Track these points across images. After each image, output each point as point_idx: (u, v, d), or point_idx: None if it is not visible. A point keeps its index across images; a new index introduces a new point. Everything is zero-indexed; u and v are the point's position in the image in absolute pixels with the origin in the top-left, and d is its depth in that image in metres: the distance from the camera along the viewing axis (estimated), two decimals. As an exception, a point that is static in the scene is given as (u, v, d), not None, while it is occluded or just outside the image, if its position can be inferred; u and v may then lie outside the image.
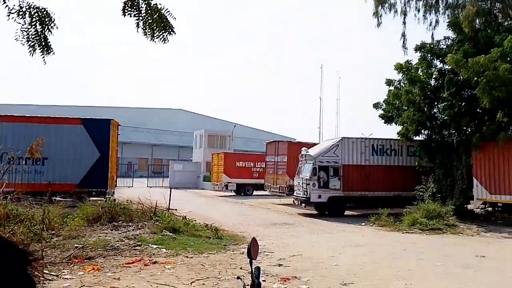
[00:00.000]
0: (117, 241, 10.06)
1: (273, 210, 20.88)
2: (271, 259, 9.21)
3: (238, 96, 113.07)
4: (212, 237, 11.33)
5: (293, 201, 20.15)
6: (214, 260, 8.89)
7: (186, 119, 65.30)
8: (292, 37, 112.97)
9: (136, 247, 9.65)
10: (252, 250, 2.80)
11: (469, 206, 17.40)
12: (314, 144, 22.32)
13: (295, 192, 19.87)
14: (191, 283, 6.99)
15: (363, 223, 15.74)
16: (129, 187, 34.39)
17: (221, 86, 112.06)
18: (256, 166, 30.95)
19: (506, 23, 16.99)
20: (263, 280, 7.21)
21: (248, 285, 2.77)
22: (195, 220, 13.76)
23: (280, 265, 8.65)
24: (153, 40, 5.31)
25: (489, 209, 16.84)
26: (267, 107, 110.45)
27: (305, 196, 18.39)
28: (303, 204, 18.92)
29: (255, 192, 30.78)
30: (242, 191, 30.69)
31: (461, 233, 13.69)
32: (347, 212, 19.02)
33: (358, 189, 18.68)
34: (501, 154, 14.92)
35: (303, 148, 19.84)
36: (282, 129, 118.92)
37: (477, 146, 15.56)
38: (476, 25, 16.54)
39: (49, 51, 5.25)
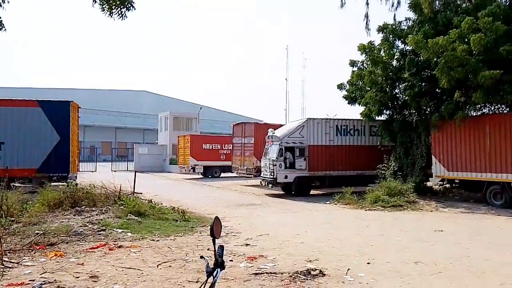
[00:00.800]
0: (80, 226, 9.83)
1: (240, 192, 20.99)
2: (238, 239, 9.28)
3: (204, 77, 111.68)
4: (179, 219, 11.27)
5: (260, 182, 20.33)
6: (181, 242, 8.86)
7: (151, 101, 63.97)
8: (258, 18, 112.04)
9: (101, 232, 9.47)
10: (215, 229, 2.79)
11: (428, 183, 18.16)
12: (281, 126, 22.46)
13: (262, 173, 20.03)
14: (157, 266, 6.95)
15: (328, 202, 16.12)
16: (92, 171, 33.57)
17: (186, 68, 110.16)
18: (223, 148, 30.90)
19: (464, 4, 17.44)
20: (230, 260, 7.31)
21: (211, 264, 2.76)
22: (162, 204, 13.63)
23: (247, 244, 8.74)
24: (111, 16, 5.09)
25: (447, 185, 17.59)
26: (234, 88, 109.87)
27: (272, 176, 18.58)
28: (270, 185, 19.13)
29: (222, 174, 30.82)
30: (210, 173, 30.64)
31: (421, 209, 14.29)
32: (312, 192, 19.40)
33: (323, 169, 19.05)
34: (458, 133, 15.53)
35: (270, 130, 19.93)
36: (249, 110, 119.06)
37: (435, 125, 16.12)
38: (436, 7, 16.92)
39: (1, 27, 4.94)
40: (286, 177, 18.51)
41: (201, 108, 45.04)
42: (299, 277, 6.40)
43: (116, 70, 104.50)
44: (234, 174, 27.04)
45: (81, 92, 53.43)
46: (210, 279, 2.70)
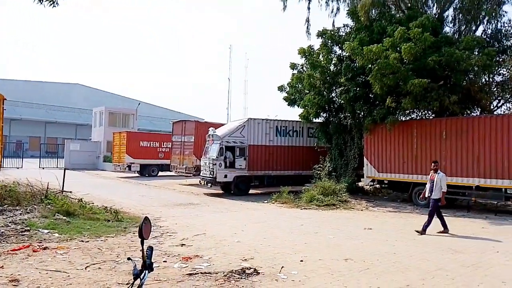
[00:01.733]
0: (2, 226, 9.09)
1: (178, 191, 20.62)
2: (173, 240, 9.10)
3: (145, 73, 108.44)
4: (111, 219, 10.81)
5: (200, 181, 20.11)
6: (113, 243, 8.50)
7: (85, 95, 60.72)
8: (202, 16, 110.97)
9: (24, 233, 8.83)
10: (144, 230, 2.69)
11: (360, 183, 19.04)
12: (222, 125, 22.39)
13: (201, 172, 19.83)
14: (85, 268, 6.60)
15: (266, 201, 16.34)
16: (18, 168, 31.30)
17: (126, 62, 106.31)
18: (162, 146, 30.16)
19: (398, 15, 18.54)
20: (164, 261, 7.14)
21: (139, 266, 2.65)
22: (93, 203, 12.99)
23: (182, 245, 8.59)
24: (41, 2, 4.73)
25: (377, 186, 18.57)
26: (176, 86, 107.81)
27: (212, 176, 18.46)
28: (209, 184, 19.00)
29: (160, 173, 30.05)
30: (147, 172, 29.74)
31: (353, 208, 14.94)
32: (251, 191, 19.56)
33: (262, 169, 19.29)
34: (388, 136, 16.44)
35: (211, 128, 19.79)
36: (191, 109, 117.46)
37: (368, 129, 16.94)
38: (372, 15, 17.78)
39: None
40: (225, 176, 18.49)
41: (139, 104, 43.59)
42: (234, 276, 6.39)
43: (49, 62, 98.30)
44: (172, 173, 26.48)
45: (8, 83, 49.53)
46: (137, 282, 2.59)
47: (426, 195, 10.80)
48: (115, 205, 12.92)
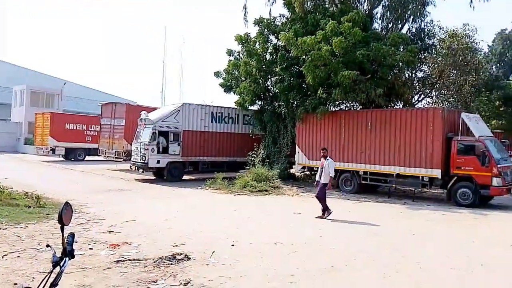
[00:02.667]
0: None
1: (107, 176, 19.82)
2: (101, 226, 8.78)
3: (71, 50, 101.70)
4: (32, 205, 10.16)
5: (130, 166, 19.49)
6: (34, 230, 8.00)
7: (4, 71, 55.58)
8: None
9: None
10: (64, 216, 2.58)
11: (292, 170, 19.64)
12: (155, 109, 21.79)
13: (132, 157, 19.19)
14: (2, 257, 6.16)
15: (200, 187, 16.28)
16: None
17: (51, 38, 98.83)
18: (90, 129, 28.65)
19: (331, 8, 19.14)
20: (90, 248, 6.88)
21: (59, 254, 2.53)
22: (12, 188, 12.09)
23: (110, 231, 8.32)
24: None
25: (307, 172, 19.26)
26: (106, 66, 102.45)
27: (143, 161, 17.97)
28: (141, 170, 18.50)
29: (87, 158, 28.58)
30: (72, 156, 28.14)
31: (284, 194, 15.40)
32: (185, 177, 19.36)
33: (197, 155, 19.13)
34: (318, 126, 17.07)
35: (143, 112, 19.17)
36: (122, 91, 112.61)
37: (300, 118, 17.46)
38: (307, 7, 18.20)
39: None
40: (158, 162, 18.09)
41: (65, 83, 40.86)
42: (164, 262, 6.34)
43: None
44: (101, 158, 25.33)
45: None
46: (57, 269, 2.48)
47: (317, 180, 11.19)
48: (37, 190, 12.14)
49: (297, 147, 17.93)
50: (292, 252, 7.22)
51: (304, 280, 5.75)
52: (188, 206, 12.14)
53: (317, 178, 11.23)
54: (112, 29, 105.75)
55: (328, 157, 11.06)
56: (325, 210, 10.71)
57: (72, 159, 27.81)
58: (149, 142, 17.78)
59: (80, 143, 28.36)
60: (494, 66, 38.58)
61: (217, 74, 20.95)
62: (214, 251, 6.97)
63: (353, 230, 9.50)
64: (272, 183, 16.06)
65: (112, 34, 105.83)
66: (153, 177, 19.12)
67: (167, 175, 18.45)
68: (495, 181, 12.83)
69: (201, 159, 19.33)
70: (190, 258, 6.59)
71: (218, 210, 11.78)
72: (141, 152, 18.10)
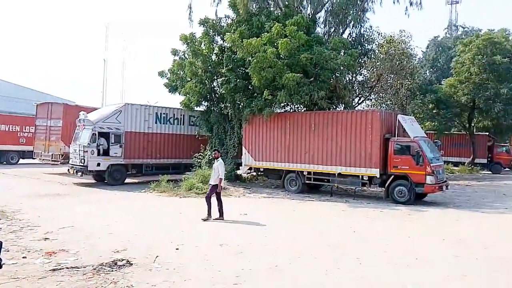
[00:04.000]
0: None
1: (43, 180, 18.69)
2: (36, 234, 8.27)
3: (8, 48, 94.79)
4: (-44, 214, 9.33)
5: (68, 169, 18.47)
6: (-43, 241, 7.34)
7: None
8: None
9: None
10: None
11: (239, 172, 19.67)
12: (95, 109, 20.87)
13: (71, 160, 18.23)
14: None
15: (144, 190, 15.83)
16: None
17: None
18: (24, 130, 26.79)
19: (276, 11, 19.44)
20: (23, 257, 6.47)
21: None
22: None
23: (46, 239, 7.86)
24: None
25: (254, 173, 19.41)
26: (44, 65, 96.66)
27: (83, 164, 17.14)
28: (80, 173, 17.62)
29: (21, 161, 26.75)
30: (4, 159, 26.20)
31: (231, 195, 15.36)
32: (128, 180, 18.73)
33: (140, 157, 18.57)
34: (265, 127, 17.26)
35: (82, 112, 18.28)
36: (60, 90, 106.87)
37: (247, 119, 17.55)
38: (252, 9, 18.36)
39: None
40: (98, 164, 17.34)
41: (-4, 82, 38.06)
42: (104, 269, 6.09)
43: None
44: (36, 161, 23.82)
45: None
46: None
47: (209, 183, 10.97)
48: (-39, 197, 11.18)
49: (243, 148, 18.00)
50: (238, 253, 7.22)
51: (249, 281, 5.77)
52: (131, 210, 11.76)
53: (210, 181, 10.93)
54: (50, 26, 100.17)
55: (219, 159, 10.81)
56: (219, 212, 10.36)
57: (4, 162, 25.91)
58: (88, 144, 17.00)
59: (13, 145, 26.42)
60: (427, 71, 41.32)
61: (161, 74, 20.51)
62: (157, 256, 6.80)
63: (298, 229, 9.69)
64: (219, 184, 15.96)
65: (50, 31, 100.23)
66: (93, 181, 18.31)
67: (109, 178, 17.74)
68: (429, 179, 13.66)
69: (145, 161, 18.80)
70: (132, 264, 6.39)
71: (163, 213, 11.52)
72: (80, 154, 17.26)
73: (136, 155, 18.39)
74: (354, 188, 15.82)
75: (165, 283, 5.60)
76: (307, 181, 16.36)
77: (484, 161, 32.67)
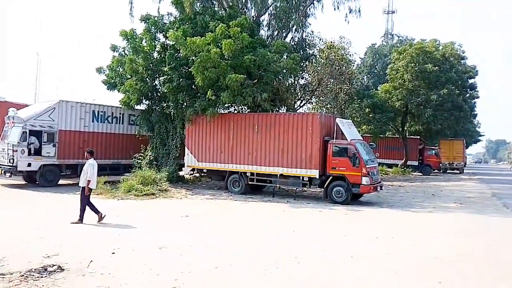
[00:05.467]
0: None
1: (-35, 182, 17.18)
2: (-47, 240, 7.55)
3: None
4: None
5: (-5, 170, 17.17)
6: None
7: None
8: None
9: None
10: None
11: (181, 173, 19.36)
12: (27, 106, 19.56)
13: (-3, 160, 16.93)
14: None
15: (78, 192, 15.00)
16: None
17: None
18: None
19: (220, 12, 19.40)
20: None
21: None
22: None
23: (-35, 246, 7.21)
24: None
25: (197, 174, 19.18)
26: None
27: (11, 164, 16.02)
28: (8, 174, 16.47)
29: None
30: None
31: (172, 197, 15.08)
32: (62, 181, 17.74)
33: (75, 157, 17.63)
34: (208, 128, 17.14)
35: (11, 109, 17.05)
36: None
37: (190, 119, 17.33)
38: (196, 8, 18.18)
39: None
40: (29, 165, 16.27)
41: None
42: (33, 275, 5.72)
43: None
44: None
45: None
46: None
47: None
48: None
49: (186, 148, 17.74)
50: (177, 256, 7.09)
51: (188, 284, 5.68)
52: (63, 213, 11.11)
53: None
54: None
55: (90, 159, 10.36)
56: (81, 215, 9.73)
57: None
58: (18, 142, 15.90)
59: None
60: (365, 77, 43.35)
61: (99, 70, 19.65)
62: (91, 260, 6.49)
63: (239, 230, 9.72)
64: (160, 186, 15.61)
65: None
66: (23, 182, 17.14)
67: (40, 179, 16.69)
68: (364, 180, 14.31)
69: (80, 161, 17.68)
70: (64, 269, 6.06)
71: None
72: (8, 154, 16.09)
73: (70, 155, 17.47)
74: (295, 188, 16.18)
75: (99, 288, 5.36)
76: (250, 182, 16.47)
77: (416, 163, 34.92)
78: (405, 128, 35.52)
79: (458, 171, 38.45)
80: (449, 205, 15.15)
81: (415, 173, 33.61)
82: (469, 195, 18.69)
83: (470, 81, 35.64)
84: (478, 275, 6.61)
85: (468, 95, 36.35)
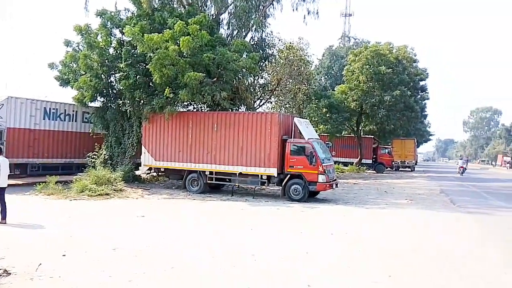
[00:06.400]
0: None
1: None
2: None
3: None
4: None
5: None
6: None
7: None
8: None
9: None
10: None
11: (138, 172, 18.94)
12: (-30, 102, 18.40)
13: None
14: None
15: (28, 193, 14.39)
16: None
17: None
18: None
19: (179, 9, 19.12)
20: None
21: None
22: None
23: None
24: None
25: (154, 174, 18.83)
26: None
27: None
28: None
29: None
30: None
31: (128, 197, 14.71)
32: (10, 181, 16.76)
33: (25, 156, 16.85)
34: (166, 126, 16.85)
35: (-48, 105, 15.99)
36: None
37: (147, 117, 16.97)
38: (155, 4, 17.83)
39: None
40: (-27, 164, 15.30)
41: None
42: (-25, 281, 5.41)
43: None
44: None
45: None
46: None
47: None
48: None
49: (143, 147, 17.35)
50: (132, 257, 6.94)
51: (142, 285, 5.59)
52: (12, 215, 10.55)
53: None
54: None
55: (1, 156, 10.06)
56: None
57: None
58: (-39, 141, 14.95)
59: None
60: (323, 78, 44.29)
61: (51, 65, 18.81)
62: (40, 264, 6.24)
63: (196, 230, 9.66)
64: (115, 186, 15.17)
65: None
66: (-33, 183, 16.10)
67: (-14, 179, 15.75)
68: (321, 178, 14.65)
69: (30, 160, 17.07)
70: (10, 273, 5.79)
71: (49, 217, 10.58)
72: (-50, 153, 15.06)
73: (20, 154, 16.62)
74: (254, 187, 16.28)
75: (48, 292, 5.16)
76: (209, 181, 16.39)
77: (370, 161, 36.16)
78: (360, 128, 36.65)
79: (409, 169, 40.18)
80: (400, 202, 15.81)
81: (369, 171, 34.78)
82: (419, 192, 19.59)
83: (421, 83, 37.37)
84: (425, 268, 6.96)
85: (419, 96, 38.12)
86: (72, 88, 18.04)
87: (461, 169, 36.02)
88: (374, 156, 36.64)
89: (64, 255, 6.82)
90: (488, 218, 12.72)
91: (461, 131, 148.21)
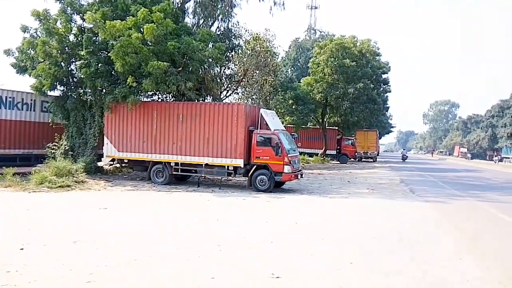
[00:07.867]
0: None
1: None
2: None
3: None
4: None
5: None
6: None
7: None
8: None
9: None
10: None
11: (100, 163, 18.45)
12: None
13: None
14: None
15: (-17, 186, 13.72)
16: None
17: None
18: None
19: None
20: None
21: None
22: None
23: None
24: None
25: (117, 165, 18.38)
26: None
27: None
28: None
29: None
30: None
31: (90, 189, 14.34)
32: (-39, 174, 15.98)
33: (-21, 147, 16.05)
34: (129, 116, 16.46)
35: None
36: None
37: (109, 107, 16.51)
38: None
39: None
40: None
41: None
42: None
43: None
44: None
45: None
46: None
47: None
48: None
49: (105, 138, 16.91)
50: (93, 250, 6.79)
51: (104, 277, 5.48)
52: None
53: None
54: None
55: None
56: None
57: None
58: None
59: None
60: (289, 70, 44.61)
61: (7, 52, 17.88)
62: (-4, 258, 5.99)
63: (160, 221, 9.56)
64: (76, 177, 14.74)
65: None
66: None
67: None
68: (286, 169, 14.83)
69: (-15, 151, 16.30)
70: (-38, 270, 5.51)
71: (6, 210, 10.16)
72: None
73: (-27, 145, 15.83)
74: (220, 178, 16.25)
75: (4, 287, 4.96)
76: (174, 172, 16.23)
77: (334, 152, 36.97)
78: (325, 119, 37.29)
79: (372, 160, 41.37)
80: (362, 191, 16.26)
81: (333, 162, 35.52)
82: (380, 182, 20.23)
83: (384, 76, 38.37)
84: (385, 255, 7.21)
85: (381, 89, 39.14)
86: (30, 76, 17.31)
87: (405, 156, 50.58)
88: (338, 147, 37.43)
89: (22, 249, 6.57)
90: (444, 206, 13.31)
91: (421, 123, 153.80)
